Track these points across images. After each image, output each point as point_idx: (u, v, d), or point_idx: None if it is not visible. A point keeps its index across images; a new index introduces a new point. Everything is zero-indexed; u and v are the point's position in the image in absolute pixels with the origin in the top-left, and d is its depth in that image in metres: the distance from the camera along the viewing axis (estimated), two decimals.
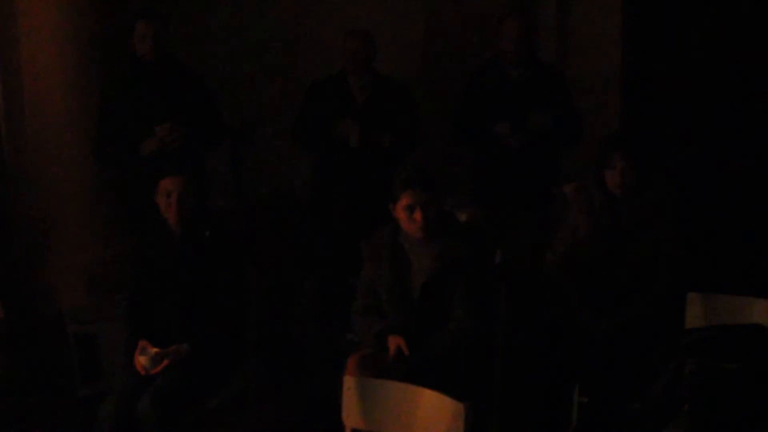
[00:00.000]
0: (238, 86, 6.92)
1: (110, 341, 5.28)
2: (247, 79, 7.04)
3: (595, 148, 4.91)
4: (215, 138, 5.52)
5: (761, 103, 5.67)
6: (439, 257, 4.20)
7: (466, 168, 6.17)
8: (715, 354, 3.96)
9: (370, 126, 5.67)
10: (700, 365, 3.94)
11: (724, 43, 6.80)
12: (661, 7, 7.23)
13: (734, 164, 6.26)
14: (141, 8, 5.55)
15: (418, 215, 4.13)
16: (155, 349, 4.28)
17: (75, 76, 5.85)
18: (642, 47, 7.24)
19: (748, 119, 5.73)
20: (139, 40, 5.39)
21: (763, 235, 5.91)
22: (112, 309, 5.32)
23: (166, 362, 4.27)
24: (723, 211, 6.33)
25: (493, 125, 5.60)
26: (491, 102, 5.72)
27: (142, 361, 4.26)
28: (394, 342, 4.16)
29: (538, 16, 6.92)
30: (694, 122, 6.93)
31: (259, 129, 5.76)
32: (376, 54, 5.84)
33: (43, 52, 5.79)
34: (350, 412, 3.35)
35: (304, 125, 5.93)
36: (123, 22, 5.63)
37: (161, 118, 5.33)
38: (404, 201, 4.15)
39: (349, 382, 3.38)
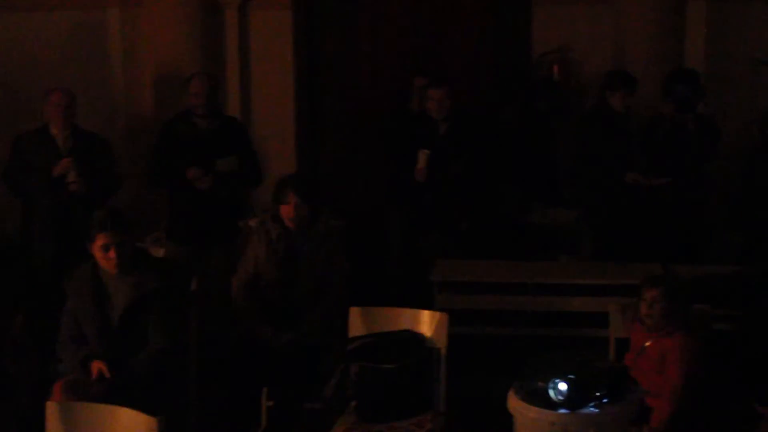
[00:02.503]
0: None
1: None
2: None
3: (274, 187, 4.94)
4: None
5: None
6: (135, 288, 4.09)
7: (163, 208, 6.08)
8: (374, 357, 4.08)
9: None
10: (363, 367, 4.06)
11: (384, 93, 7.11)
12: (329, 65, 7.46)
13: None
14: None
15: (112, 253, 4.02)
16: None
17: None
18: (312, 101, 7.43)
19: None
20: None
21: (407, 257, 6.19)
22: None
23: None
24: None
25: (184, 170, 5.53)
26: (183, 149, 5.65)
27: None
28: (96, 366, 4.02)
29: (223, 75, 6.94)
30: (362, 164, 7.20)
31: None
32: (76, 109, 5.67)
33: None
34: None
35: (13, 172, 5.70)
36: None
37: None
38: (99, 241, 4.03)
39: (51, 407, 3.20)
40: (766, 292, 4.08)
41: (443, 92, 5.94)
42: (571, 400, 3.41)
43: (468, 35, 7.31)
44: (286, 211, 4.72)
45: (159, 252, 5.59)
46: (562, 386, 3.41)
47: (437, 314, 4.19)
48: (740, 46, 7.00)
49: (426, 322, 4.18)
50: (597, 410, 3.42)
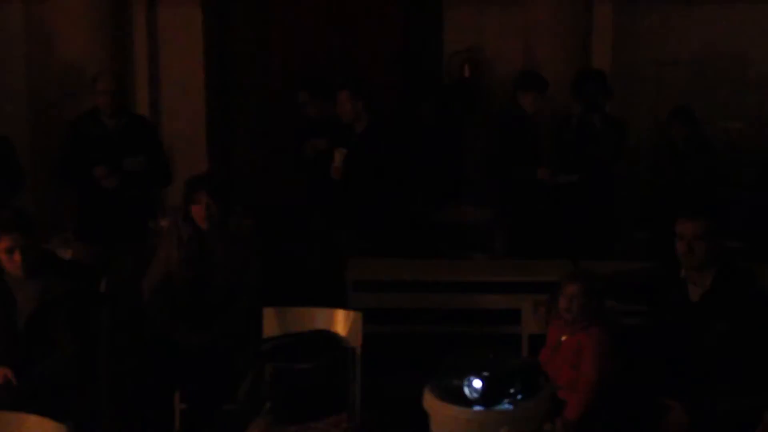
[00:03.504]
0: None
1: None
2: None
3: (185, 186, 4.85)
4: None
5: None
6: (42, 292, 3.97)
7: (69, 208, 5.93)
8: (289, 357, 4.04)
9: None
10: (277, 368, 4.01)
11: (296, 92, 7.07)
12: (240, 63, 7.39)
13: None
14: None
15: (17, 256, 3.89)
16: None
17: None
18: (223, 99, 7.35)
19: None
20: None
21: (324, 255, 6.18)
22: None
23: None
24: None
25: (92, 168, 5.40)
26: (90, 148, 5.51)
27: None
28: (1, 373, 3.88)
29: (132, 72, 6.82)
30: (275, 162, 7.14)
31: None
32: None
33: None
34: None
35: None
36: None
37: None
38: (3, 243, 3.89)
39: None
40: (671, 287, 4.15)
41: (344, 95, 5.96)
42: (486, 397, 3.41)
43: (380, 35, 7.34)
44: (198, 211, 4.64)
45: (66, 253, 5.43)
46: (477, 384, 3.41)
47: (351, 313, 4.17)
48: (645, 47, 7.19)
49: (340, 322, 4.16)
50: (511, 406, 3.44)
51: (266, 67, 7.38)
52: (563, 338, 4.14)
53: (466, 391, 3.44)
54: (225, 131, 7.38)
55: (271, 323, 4.23)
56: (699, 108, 6.57)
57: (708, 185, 6.31)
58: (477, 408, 3.42)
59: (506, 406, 3.44)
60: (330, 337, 4.15)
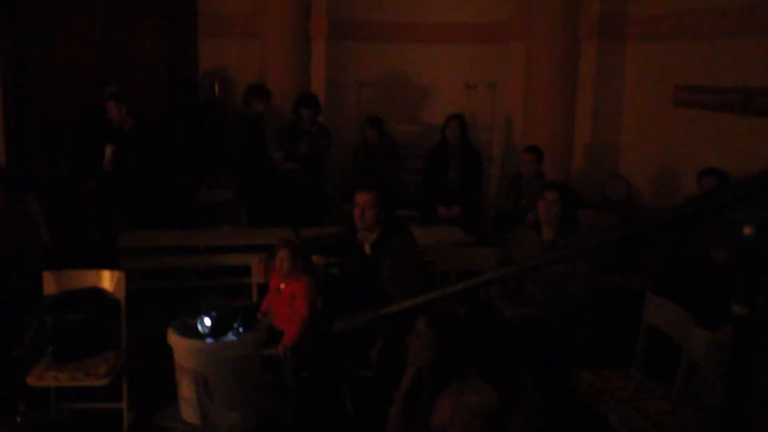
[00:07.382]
0: None
1: None
2: None
3: None
4: None
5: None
6: None
7: None
8: (65, 309, 3.87)
9: None
10: (56, 318, 3.83)
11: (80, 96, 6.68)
12: (29, 70, 6.91)
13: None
14: None
15: None
16: None
17: None
18: (17, 104, 6.84)
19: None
20: None
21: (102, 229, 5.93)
22: None
23: None
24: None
25: None
26: None
27: None
28: None
29: None
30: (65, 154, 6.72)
31: None
32: None
33: None
34: None
35: None
36: None
37: None
38: None
39: None
40: (353, 244, 4.29)
41: (111, 104, 5.79)
42: (214, 331, 3.46)
43: (148, 56, 7.14)
44: None
45: None
46: (207, 321, 3.45)
47: (117, 273, 4.03)
48: (349, 72, 7.42)
49: (107, 280, 4.01)
50: (235, 337, 3.50)
51: (56, 74, 6.95)
52: (282, 286, 4.21)
53: (199, 327, 3.47)
54: (20, 129, 6.86)
55: (50, 283, 4.00)
56: (386, 116, 6.90)
57: (392, 171, 6.64)
58: (208, 340, 3.46)
59: (231, 337, 3.50)
60: (99, 292, 4.00)
